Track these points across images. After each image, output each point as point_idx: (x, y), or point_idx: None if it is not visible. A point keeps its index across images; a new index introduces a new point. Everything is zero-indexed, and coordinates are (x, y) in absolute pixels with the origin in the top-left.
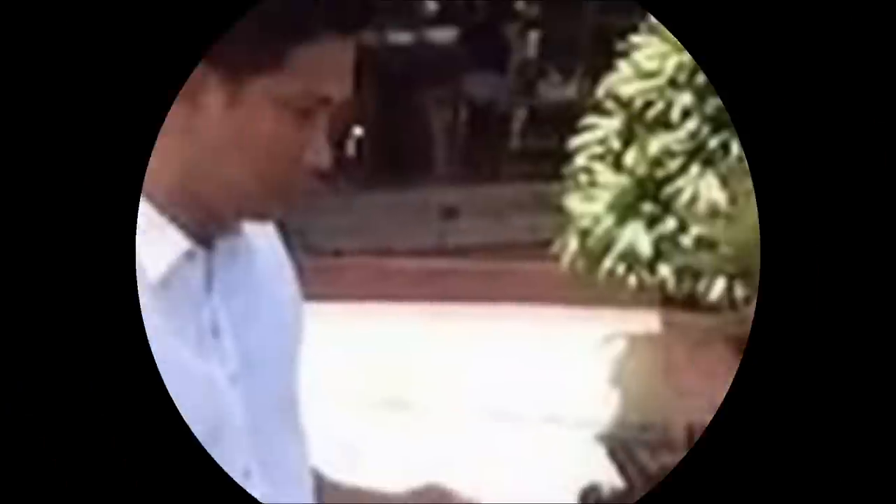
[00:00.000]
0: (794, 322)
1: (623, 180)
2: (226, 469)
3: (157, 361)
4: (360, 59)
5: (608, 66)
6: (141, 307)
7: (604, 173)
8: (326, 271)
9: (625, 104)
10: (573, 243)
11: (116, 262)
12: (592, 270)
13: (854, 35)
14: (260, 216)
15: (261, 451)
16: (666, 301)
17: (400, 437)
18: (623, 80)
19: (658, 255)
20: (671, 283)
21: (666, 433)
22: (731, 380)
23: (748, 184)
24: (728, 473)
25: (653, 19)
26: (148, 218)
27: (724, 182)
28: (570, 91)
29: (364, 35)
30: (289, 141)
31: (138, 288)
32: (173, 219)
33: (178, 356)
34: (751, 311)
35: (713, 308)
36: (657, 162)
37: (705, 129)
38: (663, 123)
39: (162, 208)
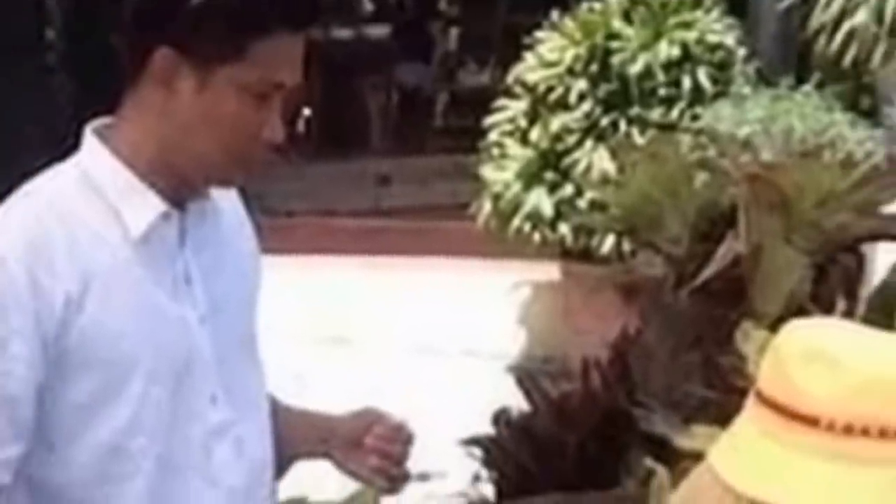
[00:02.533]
0: None
1: (529, 153)
2: (195, 396)
3: (139, 306)
4: (308, 52)
5: (517, 57)
6: (125, 260)
7: (513, 147)
8: (280, 229)
9: (530, 89)
10: (487, 206)
11: None
12: (503, 228)
13: None
14: (224, 182)
15: (225, 380)
16: (565, 254)
17: (341, 368)
18: (529, 69)
19: (558, 215)
20: (569, 239)
21: (565, 365)
22: (619, 321)
23: (634, 156)
24: None
25: (555, 18)
26: (130, 184)
27: (614, 154)
28: (485, 78)
29: (311, 31)
30: (249, 120)
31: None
32: (152, 185)
33: (157, 301)
34: (636, 262)
35: (604, 260)
36: (557, 137)
37: (598, 110)
38: (562, 105)
39: (143, 176)
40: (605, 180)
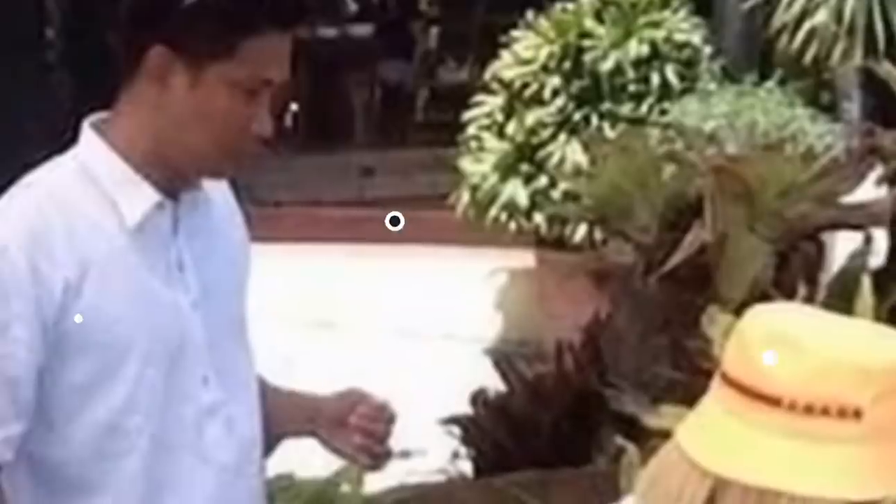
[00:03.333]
0: None
1: (505, 146)
2: (188, 377)
3: (134, 292)
4: (295, 50)
5: (494, 55)
6: (121, 248)
7: (490, 140)
8: (268, 218)
9: (507, 85)
10: (465, 196)
11: None
12: (481, 218)
13: None
14: (216, 174)
15: (216, 363)
16: (539, 242)
17: (327, 351)
18: (505, 66)
19: (533, 205)
20: (544, 228)
21: (539, 347)
22: (591, 306)
23: (605, 149)
24: None
25: (530, 17)
26: (126, 176)
27: (586, 147)
28: (464, 75)
29: (298, 30)
30: (239, 114)
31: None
32: (147, 177)
33: (151, 287)
34: (607, 250)
35: (577, 248)
36: (532, 131)
37: (571, 106)
38: (537, 101)
39: (138, 168)
40: (577, 172)
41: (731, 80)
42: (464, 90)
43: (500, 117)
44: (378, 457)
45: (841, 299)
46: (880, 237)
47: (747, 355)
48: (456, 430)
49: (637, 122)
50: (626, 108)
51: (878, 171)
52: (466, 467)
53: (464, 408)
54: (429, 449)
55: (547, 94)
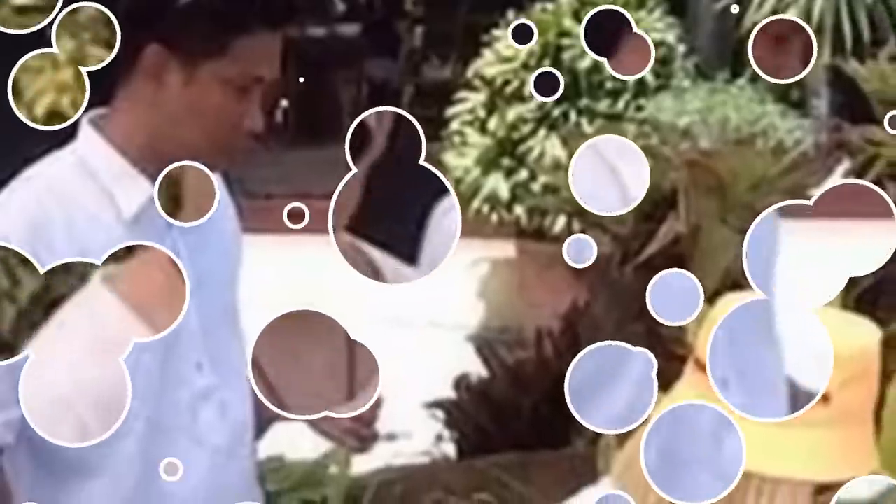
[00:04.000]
0: None
1: (487, 141)
2: (182, 363)
3: None
4: (285, 48)
5: (476, 53)
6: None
7: (472, 135)
8: (260, 210)
9: (488, 82)
10: None
11: None
12: (463, 210)
13: None
14: (209, 168)
15: (210, 349)
16: (520, 233)
17: None
18: (487, 64)
19: (514, 198)
20: (524, 220)
21: (520, 334)
22: (570, 295)
23: (583, 143)
24: None
25: (511, 17)
26: (123, 170)
27: (565, 142)
28: (447, 72)
29: (288, 29)
30: (232, 111)
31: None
32: (143, 170)
33: None
34: None
35: (556, 238)
36: (513, 127)
37: (550, 102)
38: (518, 97)
39: (134, 162)
40: (556, 166)
41: (704, 77)
42: (447, 87)
43: (482, 113)
44: (365, 439)
45: None
46: None
47: None
48: (440, 413)
49: (614, 117)
50: (603, 105)
51: (845, 164)
52: (450, 449)
53: (447, 392)
54: (414, 432)
55: (527, 90)
